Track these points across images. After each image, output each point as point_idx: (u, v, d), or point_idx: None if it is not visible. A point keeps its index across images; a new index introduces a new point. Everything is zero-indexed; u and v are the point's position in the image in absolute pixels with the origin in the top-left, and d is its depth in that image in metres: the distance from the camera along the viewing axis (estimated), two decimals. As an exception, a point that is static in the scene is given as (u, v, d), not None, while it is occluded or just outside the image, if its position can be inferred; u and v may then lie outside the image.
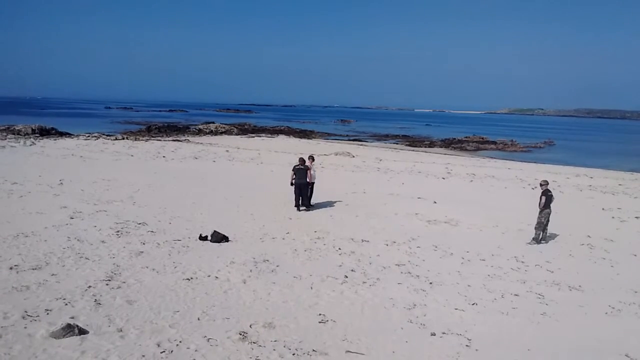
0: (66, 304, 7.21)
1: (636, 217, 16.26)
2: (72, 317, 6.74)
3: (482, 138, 58.95)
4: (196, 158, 27.62)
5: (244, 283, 8.61)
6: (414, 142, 52.86)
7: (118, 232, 11.34)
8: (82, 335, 6.26)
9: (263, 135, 50.42)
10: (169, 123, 58.82)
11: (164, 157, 27.49)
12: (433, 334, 7.03)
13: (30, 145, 29.54)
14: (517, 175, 26.21)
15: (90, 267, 8.88)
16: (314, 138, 52.72)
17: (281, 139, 45.33)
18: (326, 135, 58.07)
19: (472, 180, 23.67)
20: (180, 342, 6.31)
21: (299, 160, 15.39)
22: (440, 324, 7.37)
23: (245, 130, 57.07)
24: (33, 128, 36.73)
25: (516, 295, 8.80)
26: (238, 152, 31.57)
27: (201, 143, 37.30)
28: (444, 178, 24.18)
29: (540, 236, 12.53)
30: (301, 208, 15.02)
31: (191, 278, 8.67)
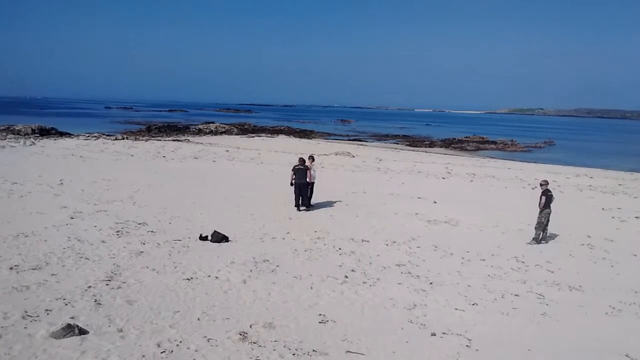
0: (66, 304, 7.21)
1: (636, 217, 16.27)
2: (72, 317, 6.74)
3: (482, 138, 58.97)
4: (196, 158, 27.62)
5: (244, 283, 8.61)
6: (414, 142, 52.89)
7: (118, 232, 11.35)
8: (82, 336, 6.26)
9: (263, 135, 50.42)
10: (169, 123, 58.78)
11: (164, 157, 27.49)
12: (433, 334, 7.03)
13: (30, 145, 29.54)
14: (517, 175, 26.21)
15: (90, 267, 8.88)
16: (314, 138, 52.72)
17: (281, 139, 45.33)
18: (326, 135, 58.06)
19: (472, 180, 23.67)
20: (180, 342, 6.31)
21: (299, 160, 15.38)
22: (440, 324, 7.37)
23: (245, 130, 57.05)
24: (33, 128, 36.74)
25: (516, 295, 8.80)
26: (238, 152, 31.57)
27: (201, 143, 37.30)
28: (444, 178, 24.18)
29: (541, 236, 12.53)
30: (301, 208, 15.02)
31: (191, 278, 8.68)
